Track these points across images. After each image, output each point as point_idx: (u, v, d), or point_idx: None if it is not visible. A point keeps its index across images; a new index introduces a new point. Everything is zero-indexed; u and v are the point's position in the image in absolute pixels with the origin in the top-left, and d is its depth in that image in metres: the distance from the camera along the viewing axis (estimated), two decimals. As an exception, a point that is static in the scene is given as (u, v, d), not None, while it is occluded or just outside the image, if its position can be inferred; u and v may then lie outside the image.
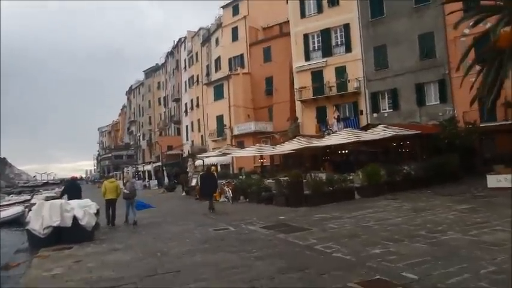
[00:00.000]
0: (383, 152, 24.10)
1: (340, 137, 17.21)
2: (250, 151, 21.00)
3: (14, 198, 35.93)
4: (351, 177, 15.14)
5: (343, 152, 20.18)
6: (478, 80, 19.00)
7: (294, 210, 12.93)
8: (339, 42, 31.48)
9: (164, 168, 38.42)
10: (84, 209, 9.79)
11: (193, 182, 22.27)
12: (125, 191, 12.95)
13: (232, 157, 34.18)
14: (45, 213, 9.29)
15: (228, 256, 7.08)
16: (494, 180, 13.68)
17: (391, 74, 28.89)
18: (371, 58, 29.97)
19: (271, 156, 27.65)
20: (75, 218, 9.44)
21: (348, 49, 30.92)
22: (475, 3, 23.39)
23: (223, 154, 23.29)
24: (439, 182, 17.17)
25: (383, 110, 29.56)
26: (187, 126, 52.93)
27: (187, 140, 52.37)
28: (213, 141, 39.76)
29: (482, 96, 16.45)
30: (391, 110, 28.96)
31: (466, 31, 26.09)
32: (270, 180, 17.66)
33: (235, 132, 37.18)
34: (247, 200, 17.51)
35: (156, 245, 8.77)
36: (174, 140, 56.88)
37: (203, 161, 31.80)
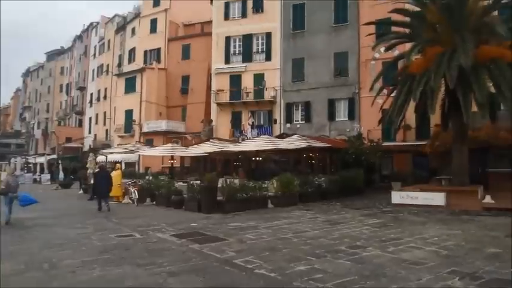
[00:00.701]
0: (294, 162, 24.54)
1: (257, 143, 16.92)
2: (162, 151, 19.68)
3: None
4: (265, 186, 14.84)
5: (257, 159, 19.95)
6: (387, 102, 20.40)
7: (207, 217, 12.16)
8: (260, 49, 31.64)
9: (60, 161, 34.61)
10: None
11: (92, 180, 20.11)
12: (2, 186, 11.35)
13: (139, 155, 32.15)
14: None
15: (135, 270, 6.06)
16: (398, 197, 14.47)
17: (307, 87, 29.78)
18: (289, 69, 30.61)
19: (182, 158, 26.52)
20: None
21: (268, 57, 31.21)
22: (387, 29, 25.40)
23: (131, 151, 21.53)
24: (346, 195, 17.83)
25: (296, 121, 30.28)
26: (90, 118, 48.91)
27: (89, 133, 48.31)
28: (120, 136, 37.08)
29: (391, 116, 17.59)
30: (304, 122, 29.79)
31: (377, 55, 28.08)
32: (181, 183, 16.64)
33: (145, 129, 35.16)
34: (155, 202, 16.24)
35: (43, 253, 7.32)
36: (74, 131, 52.08)
37: (106, 157, 29.31)
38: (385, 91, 27.40)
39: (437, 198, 13.53)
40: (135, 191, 16.13)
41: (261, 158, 20.36)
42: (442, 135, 20.54)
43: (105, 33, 48.63)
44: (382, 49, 27.68)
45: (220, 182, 13.88)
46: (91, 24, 53.67)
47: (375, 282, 5.30)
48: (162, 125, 34.29)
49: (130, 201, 16.87)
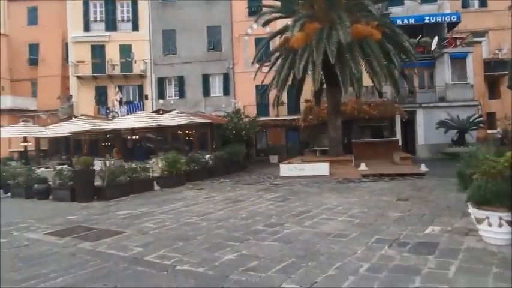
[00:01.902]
0: (171, 140, 23.25)
1: (134, 120, 15.16)
2: (13, 131, 16.18)
3: None
4: (149, 167, 13.44)
5: (133, 138, 18.08)
6: (261, 78, 20.55)
7: (85, 207, 10.33)
8: (126, 18, 28.82)
9: None
10: None
11: None
12: None
13: (-23, 139, 26.54)
14: None
15: (12, 290, 4.46)
16: (286, 170, 14.69)
17: (180, 61, 28.40)
18: (159, 41, 28.68)
19: (37, 140, 22.66)
20: None
21: (135, 27, 28.66)
22: (259, 4, 25.54)
23: (-32, 134, 17.21)
24: (231, 171, 17.54)
25: (169, 96, 28.77)
26: None
27: None
28: None
29: (276, 89, 17.72)
30: (178, 98, 28.50)
31: (249, 31, 28.23)
32: (43, 169, 13.98)
33: (-17, 107, 28.99)
34: (9, 194, 13.31)
35: None
36: None
37: None
38: (257, 66, 28.19)
39: (322, 169, 14.14)
40: (-19, 183, 12.92)
41: (137, 137, 18.51)
42: (314, 109, 21.75)
43: None
44: (255, 25, 28.03)
45: (101, 165, 11.95)
46: None
47: (316, 263, 4.86)
48: (7, 101, 28.78)
49: (-28, 195, 13.51)
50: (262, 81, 19.38)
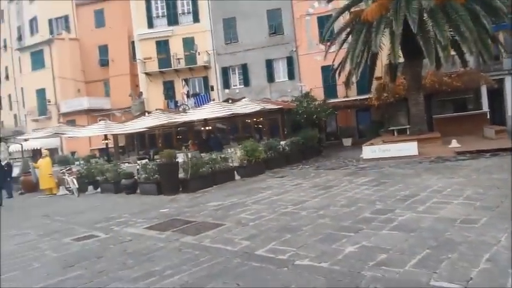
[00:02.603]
0: (242, 129, 23.20)
1: (208, 110, 15.09)
2: (95, 130, 16.92)
3: None
4: (228, 156, 13.28)
5: (206, 129, 18.13)
6: (328, 58, 19.58)
7: (173, 199, 10.37)
8: (186, 10, 29.02)
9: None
10: None
11: (15, 172, 16.92)
12: None
13: (61, 140, 28.51)
14: None
15: (131, 290, 4.31)
16: (369, 152, 13.82)
17: (242, 49, 28.11)
18: (220, 30, 28.56)
19: (115, 137, 23.65)
20: None
21: (196, 19, 28.77)
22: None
23: (56, 134, 18.36)
24: (307, 157, 16.99)
25: (234, 85, 28.68)
26: (-8, 103, 42.23)
27: (-7, 120, 41.87)
28: (34, 120, 32.45)
29: (350, 69, 16.75)
30: (242, 86, 28.30)
31: (311, 10, 27.17)
32: (128, 164, 14.41)
33: (64, 109, 31.06)
34: (99, 190, 13.89)
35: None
36: (-27, 120, 44.84)
37: (21, 145, 25.39)
38: (322, 47, 27.03)
39: (409, 149, 13.10)
40: (74, 180, 13.57)
41: (210, 128, 18.56)
42: (388, 86, 20.42)
43: (-5, 3, 41.49)
44: (316, 4, 26.95)
45: (184, 157, 11.96)
46: (-25, -7, 45.47)
47: (458, 255, 4.18)
48: (84, 102, 30.50)
49: (67, 192, 14.29)
50: (333, 61, 18.39)
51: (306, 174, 12.19)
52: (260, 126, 23.04)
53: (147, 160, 15.34)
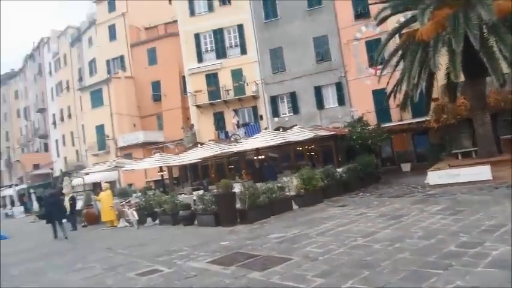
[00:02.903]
0: (294, 157, 22.88)
1: (261, 139, 14.97)
2: (152, 162, 17.35)
3: None
4: (284, 185, 12.96)
5: (258, 158, 17.99)
6: (381, 81, 19.02)
7: (232, 231, 10.15)
8: (234, 43, 29.67)
9: (32, 191, 31.31)
10: None
11: (79, 205, 17.59)
12: None
13: (119, 173, 29.58)
14: None
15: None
16: (435, 177, 12.93)
17: (289, 77, 28.14)
18: (267, 61, 28.86)
19: (169, 169, 24.16)
20: None
21: (244, 51, 29.31)
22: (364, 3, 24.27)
23: (115, 168, 19.06)
24: (366, 184, 16.27)
25: (283, 114, 28.59)
26: (57, 140, 45.21)
27: (58, 156, 44.62)
28: (94, 155, 34.11)
29: (409, 92, 16.10)
30: (292, 114, 28.14)
31: (358, 35, 26.88)
32: (184, 195, 14.48)
33: (121, 143, 32.41)
34: (158, 222, 14.01)
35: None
36: (40, 157, 48.13)
37: (83, 179, 26.60)
38: (371, 71, 26.43)
39: (482, 172, 12.09)
40: (133, 212, 13.80)
41: (263, 156, 18.43)
42: (447, 107, 19.41)
43: (59, 48, 45.07)
44: (363, 28, 26.65)
45: (240, 187, 11.79)
46: (41, 40, 49.78)
47: None
48: (140, 136, 31.72)
49: (127, 224, 14.56)
50: (387, 84, 17.79)
51: (368, 203, 11.56)
52: (312, 153, 22.61)
53: (202, 191, 15.38)
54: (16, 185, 42.69)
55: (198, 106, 29.80)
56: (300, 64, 27.64)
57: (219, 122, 29.69)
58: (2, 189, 46.36)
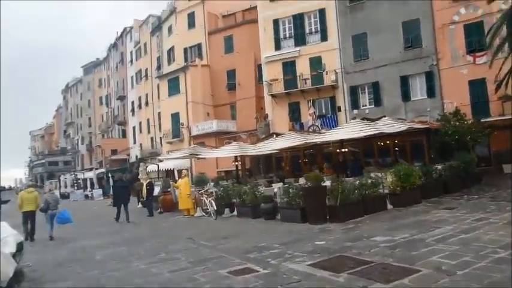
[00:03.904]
0: (378, 152, 21.17)
1: (350, 129, 13.60)
2: (229, 151, 16.79)
3: None
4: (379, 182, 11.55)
5: (339, 151, 16.64)
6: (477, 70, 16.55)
7: (324, 230, 9.04)
8: (314, 30, 28.29)
9: (110, 175, 32.77)
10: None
11: (156, 191, 17.59)
12: (42, 203, 12.09)
13: (191, 161, 29.71)
14: None
15: None
16: None
17: (372, 66, 26.16)
18: (349, 48, 27.09)
19: (243, 159, 23.62)
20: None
21: (324, 37, 27.82)
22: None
23: (192, 155, 18.81)
24: (467, 184, 14.24)
25: (363, 105, 26.75)
26: (134, 127, 47.20)
27: (134, 142, 46.62)
28: (168, 143, 34.84)
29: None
30: (373, 106, 26.19)
31: (456, 18, 24.12)
32: (263, 188, 13.65)
33: (194, 132, 32.63)
34: (235, 213, 13.35)
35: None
36: (119, 143, 50.68)
37: (158, 165, 27.08)
38: (469, 58, 23.67)
39: None
40: (212, 201, 13.25)
41: (346, 150, 17.05)
42: None
43: (140, 37, 46.80)
44: (462, 10, 23.87)
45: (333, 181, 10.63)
46: (124, 30, 52.06)
47: None
48: (213, 125, 31.64)
49: (203, 213, 14.07)
50: (499, 71, 15.45)
51: (483, 207, 9.76)
52: (398, 149, 20.67)
53: (282, 183, 14.46)
54: (96, 169, 45.28)
55: (273, 95, 28.94)
56: (385, 51, 25.52)
57: (294, 112, 28.59)
58: (83, 171, 49.57)
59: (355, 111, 26.37)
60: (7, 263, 5.12)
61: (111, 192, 28.81)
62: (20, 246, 6.12)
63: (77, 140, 67.63)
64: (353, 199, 10.29)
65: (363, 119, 18.81)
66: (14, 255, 5.54)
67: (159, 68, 41.02)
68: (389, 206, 11.21)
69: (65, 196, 36.42)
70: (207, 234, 10.07)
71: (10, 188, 63.31)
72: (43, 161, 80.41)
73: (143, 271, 6.64)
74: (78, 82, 69.07)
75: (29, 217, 11.69)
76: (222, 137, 31.37)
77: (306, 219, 10.13)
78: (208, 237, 9.65)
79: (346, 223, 9.51)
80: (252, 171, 25.51)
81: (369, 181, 10.90)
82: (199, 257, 7.41)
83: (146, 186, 16.87)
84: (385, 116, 17.22)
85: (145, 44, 45.11)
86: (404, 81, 25.20)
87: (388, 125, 14.52)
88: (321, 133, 16.95)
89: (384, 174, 11.88)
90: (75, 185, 41.14)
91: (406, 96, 25.16)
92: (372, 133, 13.00)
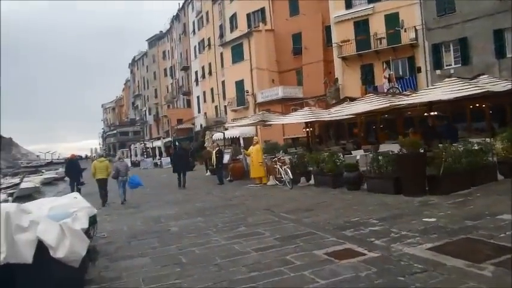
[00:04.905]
0: (470, 117, 18.74)
1: (446, 89, 11.64)
2: (300, 116, 15.54)
3: (7, 181, 29.70)
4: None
5: (428, 115, 14.63)
6: None
7: (425, 203, 7.67)
8: (390, -17, 25.47)
9: (177, 143, 33.15)
10: (62, 223, 4.51)
11: (226, 159, 16.98)
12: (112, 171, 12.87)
13: (256, 129, 28.90)
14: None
15: None
16: None
17: (460, 20, 23.06)
18: (431, 1, 24.08)
19: (312, 126, 22.26)
20: (41, 246, 4.22)
21: (401, -10, 24.95)
22: None
23: (261, 121, 17.86)
24: None
25: (447, 65, 23.90)
26: (198, 96, 47.41)
27: (199, 112, 46.97)
28: (233, 111, 34.32)
29: None
30: (459, 65, 23.30)
31: None
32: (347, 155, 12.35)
33: (259, 99, 31.68)
34: (311, 182, 12.27)
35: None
36: (184, 112, 51.47)
37: (223, 133, 26.62)
38: None
39: None
40: (288, 170, 12.25)
41: (435, 113, 15.03)
42: None
43: (201, 6, 46.04)
44: None
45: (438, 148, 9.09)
46: (186, 0, 51.68)
47: None
48: (278, 91, 30.40)
49: (277, 182, 13.17)
50: None
51: None
52: (491, 112, 18.06)
53: (361, 151, 13.03)
54: (163, 138, 46.41)
55: (343, 58, 26.93)
56: (476, 2, 22.29)
57: (367, 75, 26.44)
58: (151, 141, 51.19)
59: (438, 71, 23.67)
60: (79, 240, 4.49)
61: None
62: (93, 220, 5.55)
63: (145, 111, 70.05)
64: (459, 168, 8.70)
65: (477, 76, 16.55)
66: (87, 230, 4.94)
67: (221, 36, 40.18)
68: (499, 177, 9.45)
69: (135, 164, 37.72)
70: (287, 205, 9.10)
71: (86, 157, 67.64)
72: (115, 131, 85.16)
73: (225, 248, 5.81)
74: (144, 55, 70.78)
75: (101, 184, 12.59)
76: (288, 104, 30.08)
77: (400, 191, 8.78)
78: (289, 208, 8.68)
79: (451, 196, 8.03)
80: (322, 138, 24.17)
81: (481, 147, 9.16)
82: (285, 232, 6.45)
83: (216, 153, 16.30)
84: (483, 74, 14.86)
85: (207, 13, 44.34)
86: (499, 36, 21.95)
87: (493, 83, 12.35)
88: (406, 95, 15.06)
89: (493, 139, 10.01)
90: (145, 153, 42.51)
91: (500, 52, 21.97)
92: (475, 92, 10.99)
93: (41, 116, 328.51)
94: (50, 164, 79.50)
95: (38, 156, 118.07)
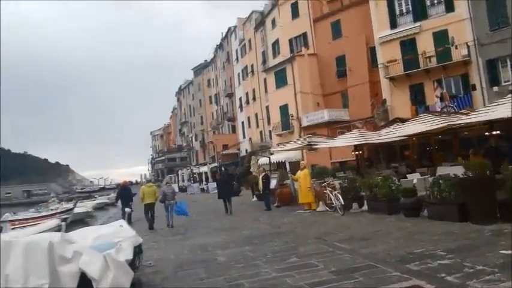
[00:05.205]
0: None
1: (510, 105, 10.71)
2: (348, 139, 14.95)
3: (62, 206, 30.87)
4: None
5: (490, 134, 13.55)
6: None
7: (500, 233, 6.86)
8: (436, 0, 24.66)
9: (222, 169, 33.28)
10: (106, 254, 4.34)
11: (273, 184, 16.61)
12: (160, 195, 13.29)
13: (302, 153, 28.39)
14: (15, 265, 3.98)
15: None
16: None
17: (516, 33, 21.73)
18: (483, 15, 22.97)
19: (362, 149, 21.43)
20: (84, 277, 4.04)
21: (450, 7, 24.11)
22: None
23: (308, 145, 17.41)
24: None
25: (505, 81, 22.41)
26: (243, 122, 47.78)
27: (244, 137, 47.23)
28: (278, 135, 34.11)
29: None
30: (518, 81, 21.79)
31: None
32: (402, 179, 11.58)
33: (305, 123, 31.26)
34: (365, 208, 11.58)
35: None
36: (229, 138, 51.99)
37: (269, 158, 26.31)
38: None
39: None
40: (338, 195, 11.67)
41: (498, 132, 13.92)
42: None
43: (244, 34, 47.06)
44: None
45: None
46: (229, 29, 53.08)
47: None
48: (324, 115, 29.86)
49: (327, 208, 12.58)
50: None
51: None
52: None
53: (418, 174, 12.19)
54: (209, 163, 46.91)
55: (390, 78, 26.10)
56: (532, 14, 21.00)
57: (417, 95, 25.39)
58: (198, 166, 51.93)
59: (495, 88, 22.28)
60: (123, 273, 4.28)
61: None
62: (138, 249, 5.36)
63: (191, 137, 71.63)
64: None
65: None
66: (132, 261, 4.74)
67: (264, 62, 40.59)
68: None
69: (182, 189, 38.23)
70: (340, 234, 8.54)
71: (136, 183, 69.84)
72: (163, 157, 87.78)
73: (277, 282, 5.39)
74: (190, 84, 73.05)
75: (149, 208, 12.96)
76: (334, 127, 29.46)
77: (466, 218, 7.98)
78: (342, 237, 8.12)
79: (525, 225, 7.14)
80: (372, 161, 23.21)
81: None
82: (342, 265, 5.92)
83: (262, 179, 16.01)
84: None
85: (249, 41, 45.15)
86: None
87: None
88: (464, 113, 14.10)
89: None
90: (191, 179, 43.10)
91: None
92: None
93: (96, 143, 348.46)
94: (103, 190, 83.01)
95: (91, 182, 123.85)
